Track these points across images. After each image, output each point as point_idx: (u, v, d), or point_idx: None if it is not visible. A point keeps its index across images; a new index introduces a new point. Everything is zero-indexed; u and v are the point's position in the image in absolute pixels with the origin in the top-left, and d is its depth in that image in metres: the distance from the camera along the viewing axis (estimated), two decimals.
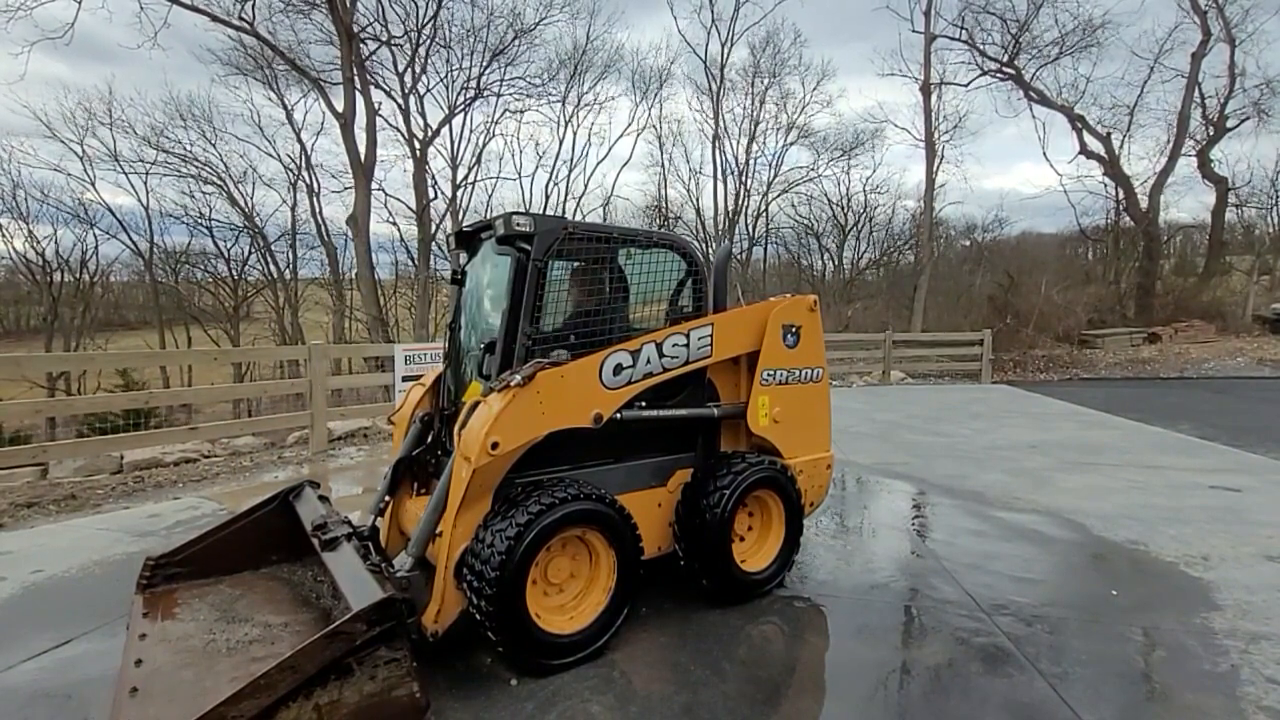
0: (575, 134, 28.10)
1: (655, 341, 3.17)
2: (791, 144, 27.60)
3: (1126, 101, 22.87)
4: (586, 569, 3.00)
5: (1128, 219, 22.95)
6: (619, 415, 3.10)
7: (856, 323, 24.11)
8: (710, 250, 22.42)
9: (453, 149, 24.67)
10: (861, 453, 7.08)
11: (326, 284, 26.54)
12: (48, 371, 19.52)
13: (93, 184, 24.82)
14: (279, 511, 3.28)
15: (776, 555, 3.56)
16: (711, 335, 3.37)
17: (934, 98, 22.27)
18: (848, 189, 29.13)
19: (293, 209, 27.35)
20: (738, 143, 26.84)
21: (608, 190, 29.90)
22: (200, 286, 29.59)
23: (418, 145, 22.03)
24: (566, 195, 28.06)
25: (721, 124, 26.17)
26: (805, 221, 29.61)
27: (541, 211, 23.59)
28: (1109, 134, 22.44)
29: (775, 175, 27.78)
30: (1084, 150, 22.66)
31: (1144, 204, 22.20)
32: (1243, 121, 22.04)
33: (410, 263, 25.94)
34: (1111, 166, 22.39)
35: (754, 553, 3.56)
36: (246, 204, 26.19)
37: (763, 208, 27.99)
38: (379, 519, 3.32)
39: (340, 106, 17.96)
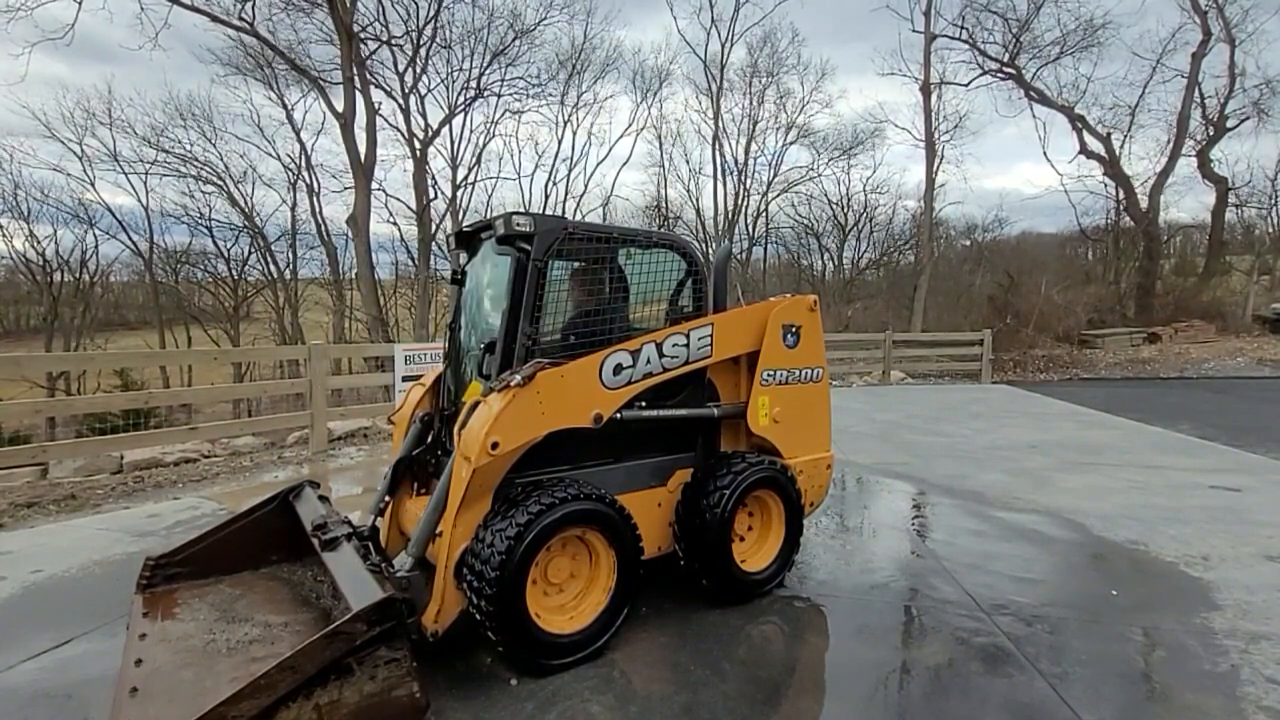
0: (575, 134, 28.10)
1: (655, 342, 3.16)
2: (791, 144, 27.62)
3: (1127, 101, 22.89)
4: (587, 569, 2.99)
5: (1128, 219, 22.96)
6: (619, 415, 3.10)
7: (856, 323, 24.12)
8: (710, 250, 22.42)
9: (453, 149, 24.69)
10: (861, 453, 7.08)
11: (326, 284, 26.54)
12: (48, 371, 19.52)
13: (93, 184, 24.84)
14: (279, 511, 3.28)
15: (777, 555, 3.56)
16: (711, 335, 3.37)
17: (934, 97, 22.28)
18: (847, 189, 29.16)
19: (293, 209, 27.37)
20: (737, 143, 26.87)
21: (607, 190, 29.89)
22: (200, 286, 29.59)
23: (418, 145, 22.03)
24: (566, 195, 28.09)
25: (721, 124, 26.19)
26: (805, 221, 29.64)
27: (541, 211, 23.61)
28: (1109, 134, 22.46)
29: (775, 175, 27.81)
30: (1084, 150, 22.67)
31: (1144, 204, 22.21)
32: (1243, 121, 22.06)
33: (410, 263, 25.95)
34: (1112, 166, 22.39)
35: (754, 553, 3.56)
36: (246, 204, 26.21)
37: (762, 208, 28.01)
38: (379, 519, 3.32)
39: (340, 106, 17.96)
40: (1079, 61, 23.85)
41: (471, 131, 25.62)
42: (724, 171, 26.72)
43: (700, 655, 2.94)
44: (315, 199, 26.42)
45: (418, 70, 21.56)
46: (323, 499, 3.30)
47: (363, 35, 18.32)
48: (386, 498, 3.37)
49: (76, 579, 3.84)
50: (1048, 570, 3.95)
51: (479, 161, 25.27)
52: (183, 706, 1.98)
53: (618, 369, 3.04)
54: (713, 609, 3.36)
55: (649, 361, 3.14)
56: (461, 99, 23.11)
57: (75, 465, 6.61)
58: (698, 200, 29.04)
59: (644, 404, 3.27)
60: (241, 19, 17.35)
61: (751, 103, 26.78)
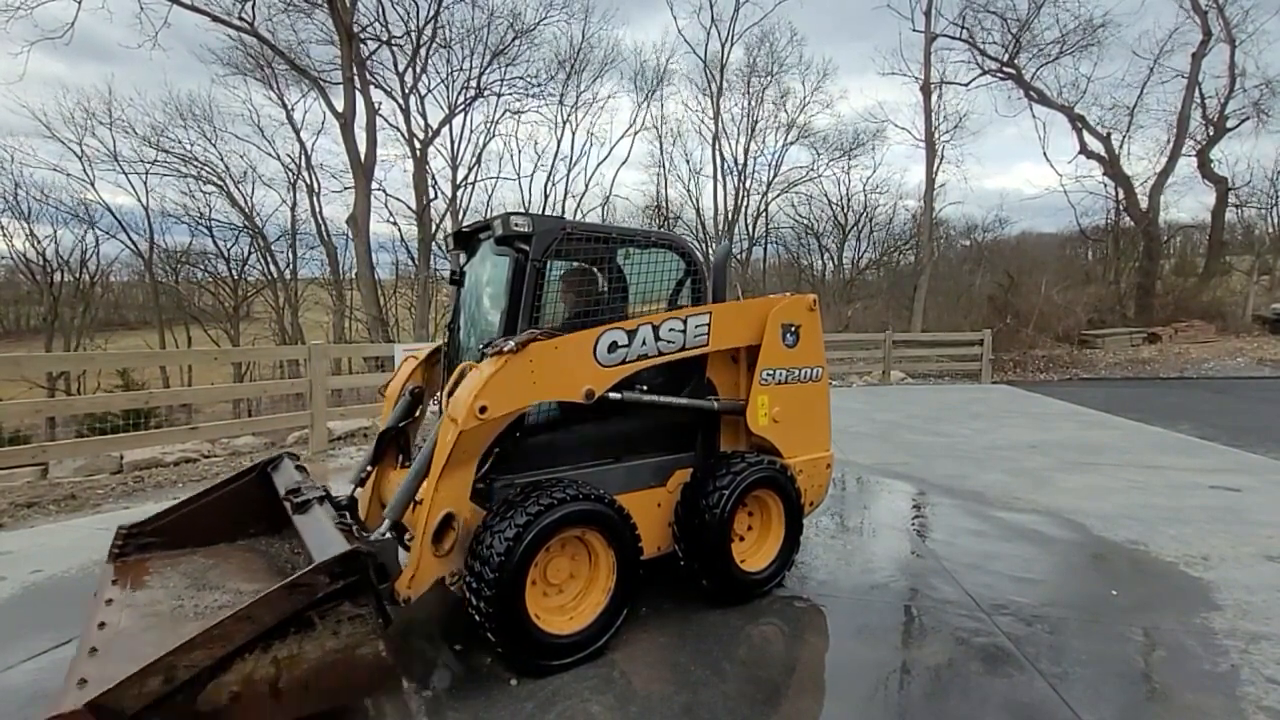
0: (574, 134, 28.11)
1: (652, 324, 3.15)
2: (791, 144, 27.63)
3: (1126, 102, 22.92)
4: (586, 569, 2.99)
5: (1128, 219, 22.97)
6: (620, 396, 3.11)
7: (856, 323, 24.12)
8: (710, 250, 22.44)
9: (453, 149, 24.70)
10: (861, 453, 7.08)
11: (326, 284, 26.54)
12: (48, 371, 19.51)
13: (92, 184, 24.83)
14: (257, 483, 3.20)
15: (776, 555, 3.56)
16: (709, 324, 3.35)
17: (934, 97, 22.29)
18: (847, 189, 29.16)
19: (293, 209, 27.37)
20: (737, 142, 26.87)
21: (607, 190, 29.89)
22: (200, 286, 29.59)
23: (418, 145, 22.04)
24: (566, 195, 28.08)
25: (721, 124, 26.19)
26: (805, 221, 29.64)
27: (541, 211, 23.62)
28: (1109, 134, 22.48)
29: (775, 175, 27.81)
30: (1084, 150, 22.68)
31: (1144, 204, 22.21)
32: (1243, 122, 22.08)
33: (410, 263, 25.95)
34: (1111, 166, 22.40)
35: (754, 552, 3.56)
36: (246, 204, 26.22)
37: (762, 207, 28.02)
38: (359, 489, 3.29)
39: (340, 106, 17.97)
40: (1079, 61, 23.96)
41: (471, 131, 25.63)
42: (724, 171, 26.76)
43: (700, 655, 2.94)
44: (315, 199, 26.45)
45: (417, 70, 21.58)
46: (300, 469, 3.24)
47: (363, 35, 18.32)
48: (369, 468, 3.31)
49: (76, 579, 3.84)
50: (1048, 570, 3.95)
51: (479, 161, 25.30)
52: (141, 665, 1.94)
53: (613, 347, 3.02)
54: (713, 609, 3.36)
55: (644, 343, 3.12)
56: (461, 99, 23.14)
57: (75, 465, 6.61)
58: (698, 200, 29.05)
59: (645, 388, 3.27)
60: (241, 19, 17.37)
61: (751, 102, 26.81)
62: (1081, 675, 2.77)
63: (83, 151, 23.75)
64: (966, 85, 23.18)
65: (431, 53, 21.51)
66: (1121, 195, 22.72)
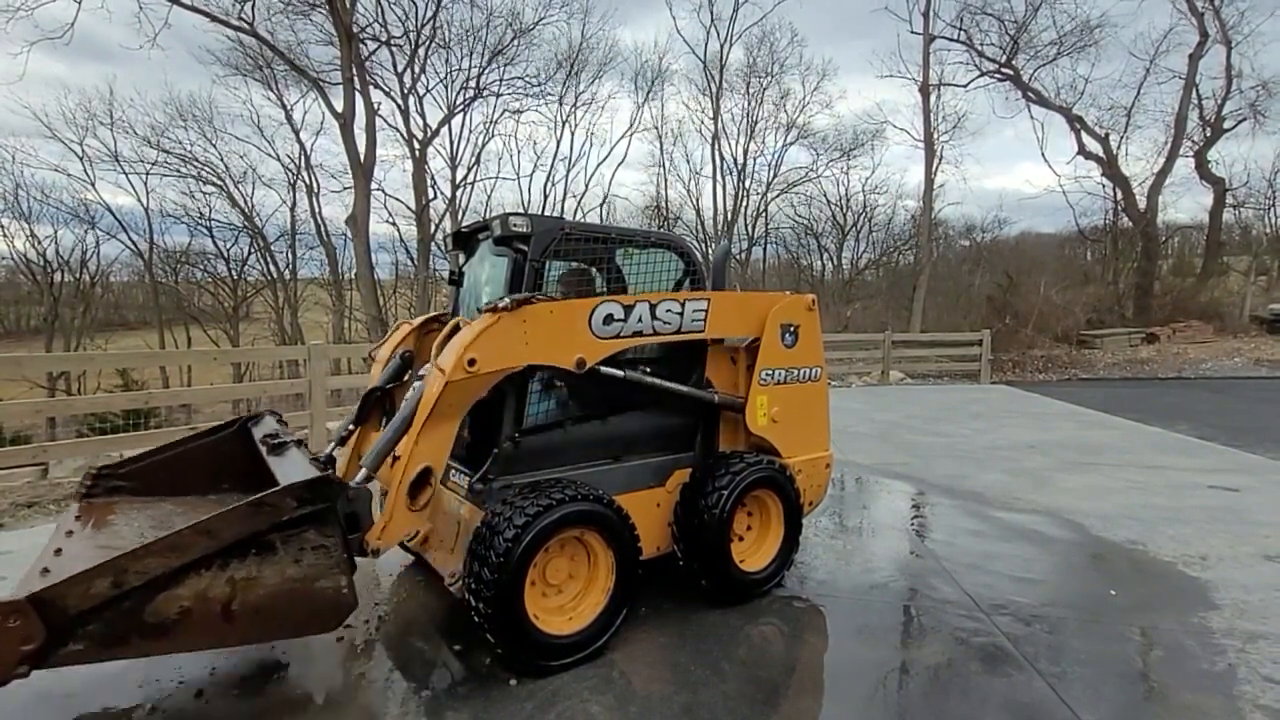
0: (573, 134, 28.13)
1: (650, 302, 3.15)
2: (791, 144, 27.65)
3: (1124, 102, 22.97)
4: (585, 570, 2.99)
5: (1126, 219, 23.00)
6: (623, 375, 3.13)
7: (856, 323, 24.13)
8: (709, 250, 22.43)
9: (452, 149, 24.71)
10: (861, 453, 7.09)
11: (326, 284, 26.55)
12: (48, 371, 19.50)
13: (93, 184, 24.84)
14: (236, 437, 3.11)
15: (775, 555, 3.56)
16: (706, 310, 3.34)
17: (933, 98, 22.30)
18: (847, 189, 29.18)
19: (292, 209, 27.37)
20: (737, 143, 26.89)
21: (607, 190, 29.91)
22: (200, 286, 29.58)
23: (417, 145, 22.05)
24: (566, 195, 28.09)
25: (721, 124, 26.21)
26: (804, 222, 29.65)
27: (540, 211, 23.65)
28: (1107, 135, 22.50)
29: (775, 175, 27.83)
30: (1082, 151, 22.71)
31: (1142, 204, 22.25)
32: (1239, 123, 22.13)
33: (410, 263, 25.95)
34: (1110, 167, 22.43)
35: (753, 552, 3.57)
36: (246, 204, 26.22)
37: (762, 208, 28.03)
38: (340, 448, 3.26)
39: (340, 107, 17.96)
40: (1076, 62, 24.00)
41: (470, 131, 25.69)
42: (724, 171, 26.77)
43: (700, 655, 2.94)
44: (315, 199, 26.46)
45: (416, 70, 21.59)
46: (282, 423, 3.20)
47: (362, 36, 18.33)
48: (351, 427, 3.25)
49: None
50: (1047, 570, 3.95)
51: (478, 161, 25.31)
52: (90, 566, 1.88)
53: (608, 319, 3.01)
54: (712, 609, 3.36)
55: (640, 319, 3.11)
56: (460, 99, 23.14)
57: (75, 465, 6.60)
58: (697, 200, 29.07)
59: (648, 370, 3.30)
60: (241, 19, 17.37)
61: (751, 103, 26.82)
62: (1080, 675, 2.78)
63: (83, 152, 23.79)
64: (965, 86, 23.24)
65: (430, 53, 21.55)
66: (1120, 196, 22.76)
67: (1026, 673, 2.79)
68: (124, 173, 24.74)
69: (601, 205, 28.58)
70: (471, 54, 22.52)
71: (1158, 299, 21.75)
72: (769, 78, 26.68)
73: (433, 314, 3.82)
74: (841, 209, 29.34)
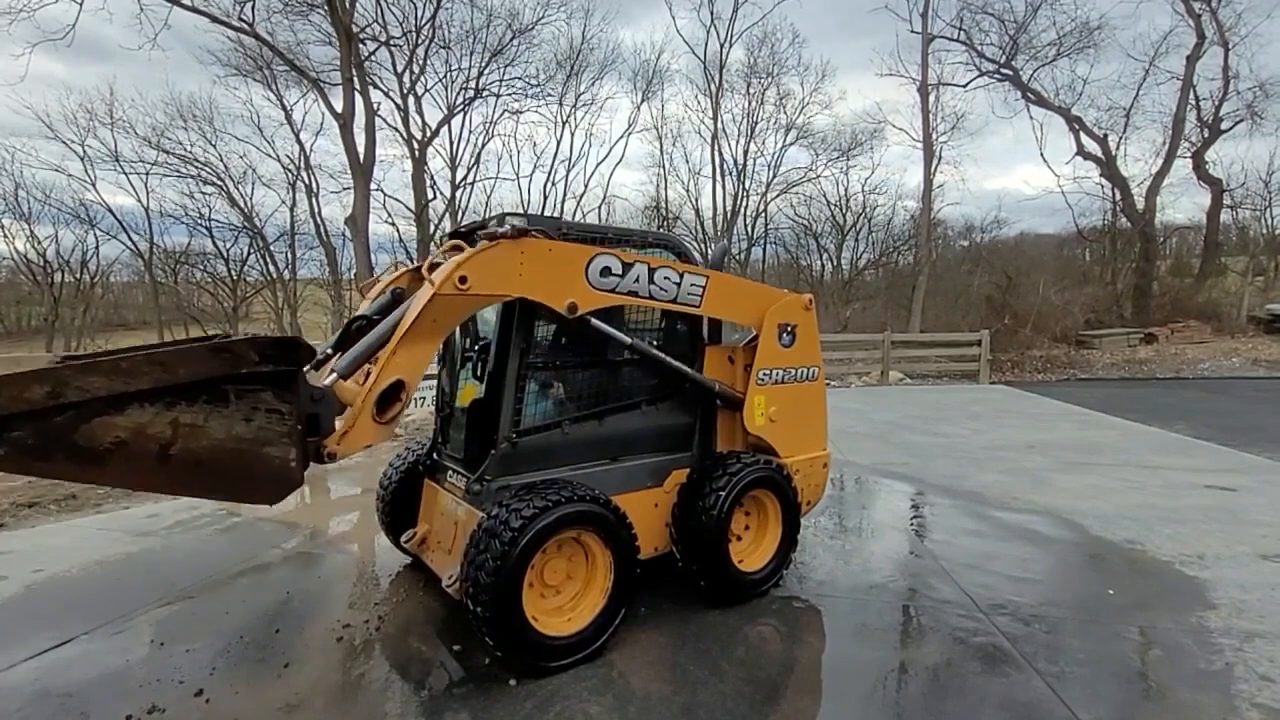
0: (573, 134, 28.12)
1: (649, 265, 3.15)
2: (790, 144, 27.64)
3: (1123, 104, 23.00)
4: (583, 570, 2.99)
5: (1124, 220, 23.02)
6: (629, 343, 3.17)
7: (855, 323, 24.13)
8: (708, 250, 22.41)
9: (451, 149, 24.69)
10: (860, 453, 7.09)
11: (325, 284, 26.52)
12: None
13: (93, 184, 24.80)
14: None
15: (774, 555, 3.57)
16: (704, 288, 3.34)
17: (932, 98, 22.32)
18: (846, 190, 29.18)
19: (292, 209, 27.32)
20: (736, 143, 26.89)
21: (606, 190, 29.91)
22: (199, 287, 29.55)
23: (416, 145, 22.04)
24: (566, 195, 28.08)
25: (720, 124, 26.21)
26: (804, 222, 29.64)
27: (540, 211, 23.64)
28: (1106, 135, 22.53)
29: (774, 176, 27.83)
30: (1081, 151, 22.74)
31: (1140, 205, 22.27)
32: (1237, 124, 22.15)
33: (409, 263, 25.85)
34: (1108, 168, 22.46)
35: (751, 552, 3.58)
36: (246, 204, 26.16)
37: (761, 208, 28.03)
38: (313, 372, 3.19)
39: (339, 107, 17.95)
40: (1075, 63, 24.02)
41: (470, 132, 25.69)
42: (723, 172, 26.76)
43: (699, 655, 2.95)
44: (314, 199, 26.40)
45: (416, 71, 21.57)
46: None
47: (361, 36, 18.32)
48: (329, 350, 3.06)
49: (77, 579, 3.84)
50: (1045, 570, 3.96)
51: (478, 162, 25.27)
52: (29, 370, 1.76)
53: (605, 271, 3.00)
54: (711, 609, 3.37)
55: (638, 280, 3.10)
56: (460, 99, 23.11)
57: None
58: (697, 200, 29.06)
59: (657, 344, 3.34)
60: (241, 20, 17.35)
61: (751, 103, 26.83)
62: (1078, 674, 2.79)
63: (84, 152, 23.74)
64: (964, 87, 23.26)
65: (430, 53, 21.52)
66: (1118, 196, 22.79)
67: (1025, 672, 2.80)
68: (124, 173, 24.71)
69: (601, 205, 28.59)
70: (471, 54, 22.52)
71: (1156, 299, 21.79)
72: (769, 78, 26.70)
73: (433, 259, 3.76)
74: (841, 209, 29.35)
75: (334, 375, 2.50)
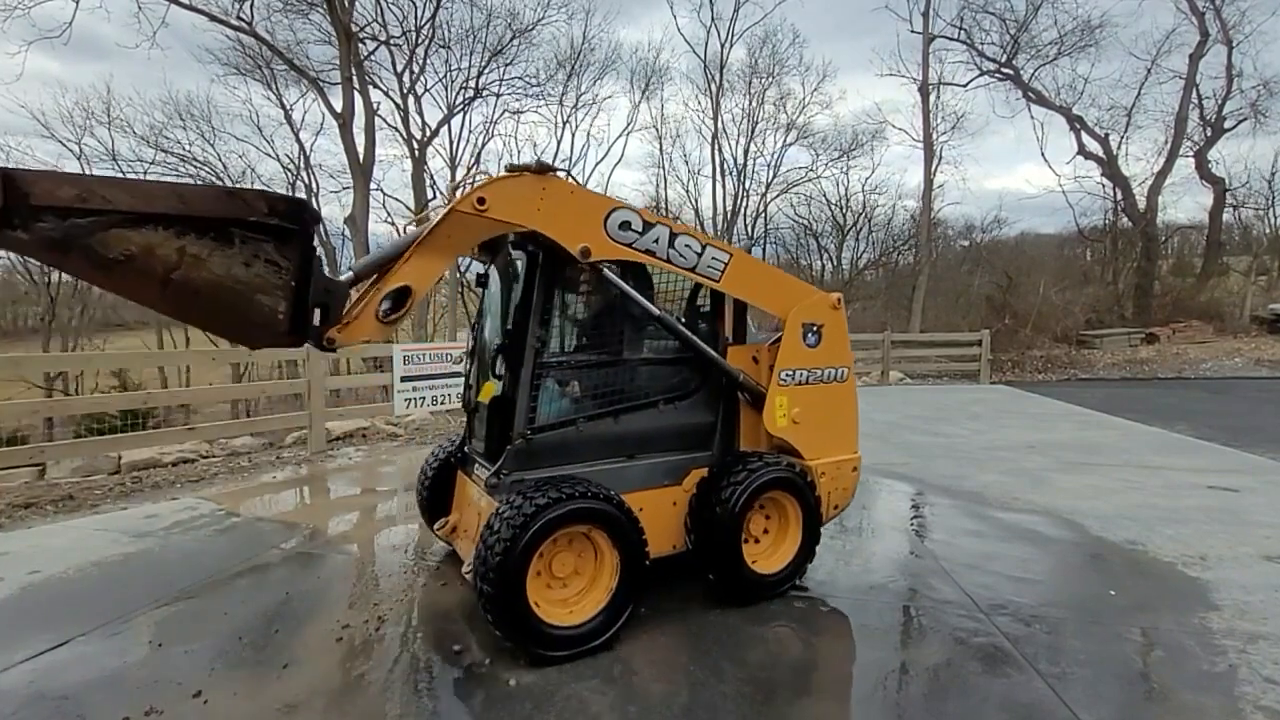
0: (574, 134, 28.11)
1: (670, 228, 3.18)
2: (790, 144, 27.64)
3: (1124, 103, 22.97)
4: (591, 567, 3.03)
5: (1126, 220, 23.01)
6: (656, 314, 3.18)
7: (855, 323, 24.06)
8: None
9: (451, 149, 24.69)
10: (861, 453, 7.07)
11: None
12: (45, 372, 19.47)
13: None
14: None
15: (791, 559, 3.50)
16: (726, 263, 3.33)
17: (933, 98, 22.31)
18: (846, 189, 29.19)
19: None
20: (736, 143, 26.88)
21: (605, 189, 29.86)
22: None
23: (416, 145, 22.04)
24: None
25: (721, 124, 26.20)
26: (804, 222, 29.66)
27: None
28: (1107, 135, 22.54)
29: (774, 176, 27.83)
30: (1082, 151, 22.74)
31: (1142, 205, 22.26)
32: (1240, 123, 22.15)
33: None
34: (1110, 167, 22.45)
35: (768, 555, 3.52)
36: None
37: (761, 208, 28.03)
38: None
39: (339, 106, 17.95)
40: (1076, 62, 23.98)
41: (470, 131, 25.69)
42: (723, 171, 26.76)
43: (700, 655, 2.94)
44: (314, 199, 26.39)
45: (416, 70, 21.58)
46: None
47: (361, 35, 18.31)
48: (350, 274, 3.01)
49: (74, 580, 3.83)
50: (1046, 570, 3.95)
51: (478, 161, 25.27)
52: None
53: (624, 225, 3.06)
54: (712, 609, 3.36)
55: (656, 241, 3.14)
56: (460, 99, 23.12)
57: (73, 466, 6.59)
58: (696, 200, 29.07)
59: (683, 320, 3.34)
60: (240, 19, 17.36)
61: (751, 103, 26.82)
62: (1080, 675, 2.77)
63: (81, 151, 23.74)
64: (965, 86, 23.27)
65: (430, 53, 21.53)
66: (1120, 196, 22.78)
67: (1026, 673, 2.79)
68: (122, 172, 24.68)
69: None
70: (471, 54, 22.54)
71: (1157, 299, 21.78)
72: (769, 78, 26.69)
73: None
74: (841, 209, 29.37)
75: (350, 274, 2.69)
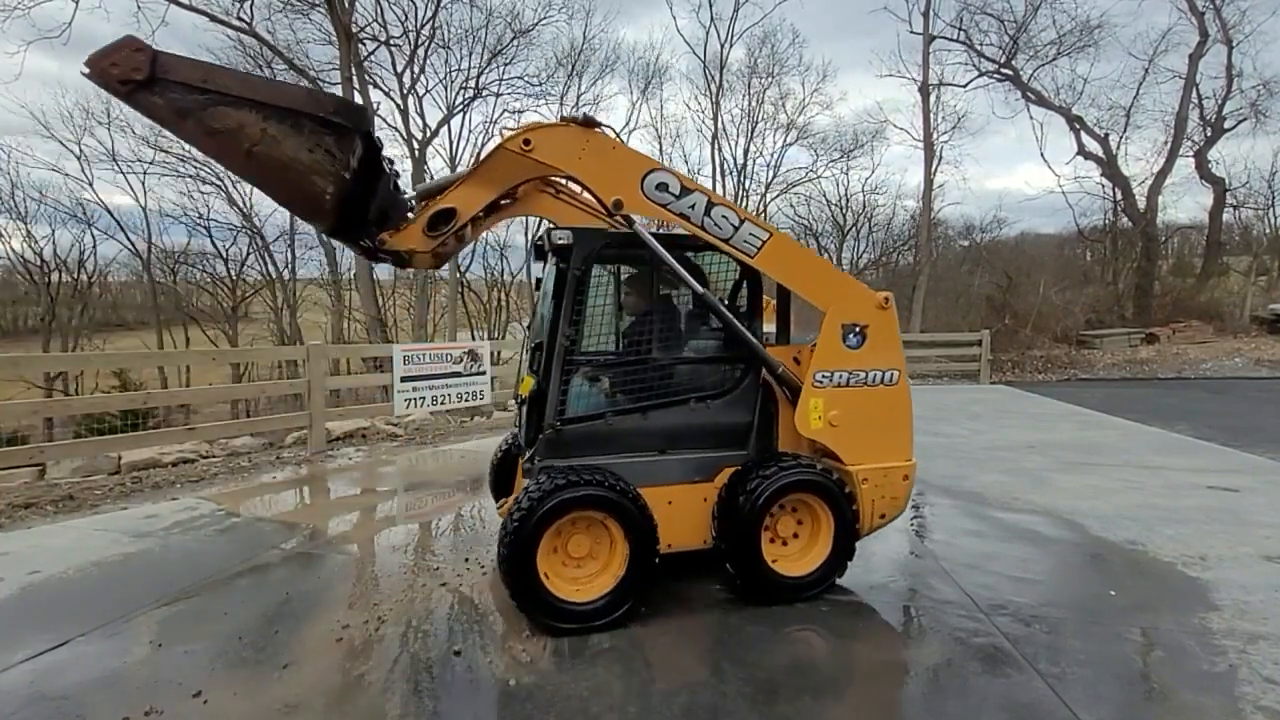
0: None
1: (708, 197, 3.26)
2: (790, 144, 27.63)
3: (1124, 103, 22.90)
4: (606, 552, 3.20)
5: (1126, 220, 22.98)
6: (700, 291, 3.28)
7: None
8: None
9: (451, 149, 24.68)
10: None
11: (325, 284, 26.51)
12: (45, 372, 19.49)
13: (90, 184, 24.85)
14: None
15: (819, 565, 3.43)
16: (765, 241, 3.33)
17: (933, 98, 22.30)
18: (846, 190, 29.18)
19: None
20: (736, 143, 26.88)
21: None
22: (198, 287, 29.54)
23: (416, 145, 22.04)
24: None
25: (720, 124, 26.20)
26: (804, 222, 29.64)
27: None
28: (1107, 135, 22.49)
29: (774, 176, 27.83)
30: (1082, 151, 22.70)
31: (1142, 205, 22.23)
32: (1240, 123, 22.09)
33: None
34: (1109, 167, 22.43)
35: (797, 558, 3.47)
36: (245, 204, 26.14)
37: (761, 208, 28.01)
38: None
39: None
40: (1075, 62, 23.94)
41: (470, 131, 25.70)
42: (723, 171, 26.74)
43: (700, 655, 2.94)
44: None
45: (416, 70, 21.58)
46: None
47: (361, 35, 18.31)
48: (413, 194, 3.44)
49: (74, 580, 3.83)
50: (1046, 570, 3.95)
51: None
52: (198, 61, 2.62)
53: (661, 186, 3.19)
54: (713, 609, 3.36)
55: (692, 207, 3.23)
56: (460, 99, 23.11)
57: (73, 466, 6.59)
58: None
59: (727, 302, 3.44)
60: (240, 19, 17.36)
61: (751, 103, 26.81)
62: (1080, 675, 2.77)
63: (81, 151, 23.77)
64: (964, 87, 23.21)
65: (430, 53, 21.52)
66: (1119, 196, 22.75)
67: (1026, 673, 2.79)
68: (122, 172, 24.74)
69: None
70: (471, 54, 22.54)
71: (1157, 299, 21.75)
72: (769, 78, 26.68)
73: None
74: (841, 209, 29.36)
75: (413, 194, 3.27)
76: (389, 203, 3.09)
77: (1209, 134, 22.46)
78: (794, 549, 3.52)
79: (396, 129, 22.18)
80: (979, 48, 22.27)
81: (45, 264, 25.55)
